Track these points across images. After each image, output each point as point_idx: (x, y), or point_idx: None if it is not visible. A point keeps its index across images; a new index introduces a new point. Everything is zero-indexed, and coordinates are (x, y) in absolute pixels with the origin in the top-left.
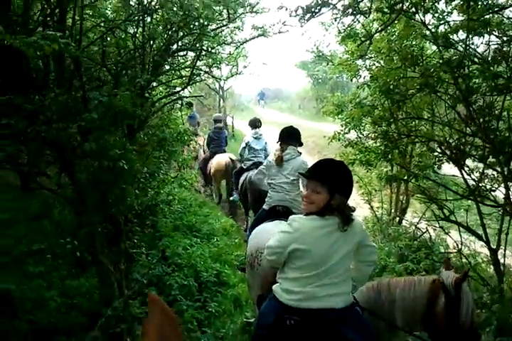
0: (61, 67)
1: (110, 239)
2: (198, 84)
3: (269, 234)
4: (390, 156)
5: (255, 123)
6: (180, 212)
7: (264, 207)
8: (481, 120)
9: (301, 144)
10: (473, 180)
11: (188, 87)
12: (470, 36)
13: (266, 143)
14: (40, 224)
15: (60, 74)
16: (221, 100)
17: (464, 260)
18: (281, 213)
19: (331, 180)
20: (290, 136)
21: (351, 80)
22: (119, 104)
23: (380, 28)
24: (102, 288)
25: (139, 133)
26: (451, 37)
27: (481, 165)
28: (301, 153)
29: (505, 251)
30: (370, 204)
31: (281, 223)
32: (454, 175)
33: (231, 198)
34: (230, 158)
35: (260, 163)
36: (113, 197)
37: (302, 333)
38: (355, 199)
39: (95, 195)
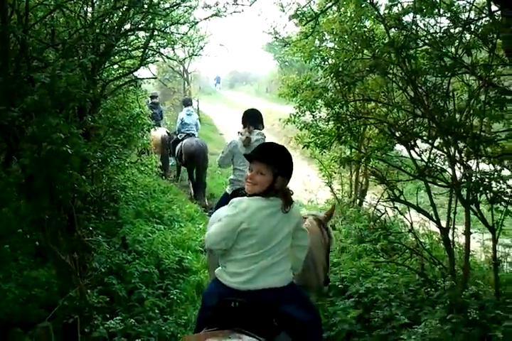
0: (5, 46)
1: (64, 227)
2: (162, 66)
3: None
4: (343, 138)
5: (187, 102)
6: (143, 198)
7: (227, 191)
8: (428, 101)
9: (263, 127)
10: (423, 160)
11: (152, 70)
12: (418, 17)
13: (197, 119)
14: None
15: (3, 54)
16: (185, 83)
17: (420, 240)
18: (243, 196)
19: (275, 163)
20: (256, 119)
21: (305, 62)
22: (62, 85)
23: (326, 7)
24: (59, 278)
25: (87, 117)
26: (403, 18)
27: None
28: (265, 137)
29: (453, 229)
30: (330, 186)
31: None
32: (403, 156)
33: (169, 164)
34: (167, 132)
35: (193, 135)
36: (59, 182)
37: (247, 314)
38: (316, 182)
39: (40, 180)
